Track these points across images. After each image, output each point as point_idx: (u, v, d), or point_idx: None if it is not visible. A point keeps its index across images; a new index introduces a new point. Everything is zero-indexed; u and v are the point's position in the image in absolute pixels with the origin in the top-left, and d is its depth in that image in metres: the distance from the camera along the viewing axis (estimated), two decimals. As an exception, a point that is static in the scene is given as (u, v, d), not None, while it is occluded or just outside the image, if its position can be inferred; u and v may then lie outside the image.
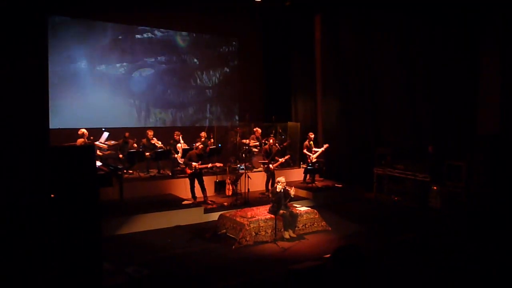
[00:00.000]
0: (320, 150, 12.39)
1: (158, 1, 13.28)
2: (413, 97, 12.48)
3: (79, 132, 10.69)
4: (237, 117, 15.60)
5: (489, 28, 10.53)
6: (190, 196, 10.52)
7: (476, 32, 10.81)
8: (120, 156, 11.40)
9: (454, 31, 11.26)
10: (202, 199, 10.47)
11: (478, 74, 10.83)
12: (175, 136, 12.25)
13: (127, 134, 11.76)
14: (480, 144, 10.20)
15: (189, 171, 10.34)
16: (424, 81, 12.20)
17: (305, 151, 12.59)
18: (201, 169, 10.34)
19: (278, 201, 8.58)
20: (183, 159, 11.94)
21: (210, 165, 10.69)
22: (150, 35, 14.03)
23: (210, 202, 10.39)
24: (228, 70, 15.68)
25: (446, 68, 11.59)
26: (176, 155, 11.96)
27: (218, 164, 10.84)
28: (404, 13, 12.35)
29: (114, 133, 11.69)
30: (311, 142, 12.60)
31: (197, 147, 10.56)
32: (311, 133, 12.85)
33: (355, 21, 13.56)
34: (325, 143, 12.68)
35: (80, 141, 10.42)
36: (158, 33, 14.17)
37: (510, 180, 9.63)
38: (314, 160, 12.37)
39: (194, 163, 10.19)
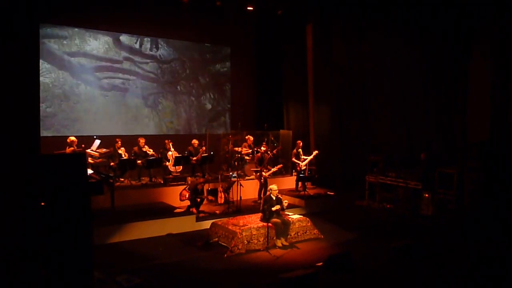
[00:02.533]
0: (309, 157, 12.38)
1: (150, 10, 13.28)
2: (405, 105, 12.59)
3: (68, 140, 10.59)
4: (229, 125, 15.61)
5: (479, 36, 10.67)
6: (182, 204, 10.49)
7: (466, 41, 10.94)
8: (112, 164, 11.35)
9: (445, 40, 11.39)
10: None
11: (468, 82, 10.95)
12: (165, 144, 12.21)
13: (118, 140, 11.71)
14: (470, 151, 10.30)
15: (183, 197, 10.35)
16: (415, 89, 12.31)
17: (293, 159, 12.58)
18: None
19: (270, 208, 8.57)
20: (174, 167, 11.92)
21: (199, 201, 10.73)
22: (141, 43, 14.02)
23: (195, 212, 10.30)
24: (220, 78, 15.70)
25: (436, 76, 11.72)
26: (167, 163, 11.92)
27: (209, 197, 11.17)
28: (395, 23, 12.48)
29: (106, 141, 11.63)
30: (300, 150, 12.59)
31: (197, 182, 10.52)
32: (299, 141, 12.83)
33: (346, 30, 13.66)
34: (315, 151, 12.64)
35: (69, 149, 10.34)
36: (149, 41, 14.17)
37: (500, 187, 9.72)
38: (304, 167, 12.35)
39: (185, 192, 10.28)
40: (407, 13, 11.99)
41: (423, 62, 12.03)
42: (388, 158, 12.42)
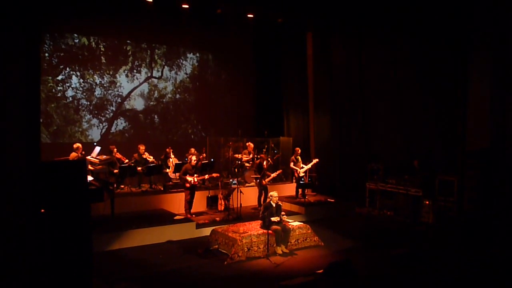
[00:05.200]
0: (307, 166, 12.37)
1: (148, 18, 13.24)
2: (404, 112, 12.61)
3: (74, 146, 10.62)
4: (229, 132, 15.61)
5: (479, 43, 10.70)
6: (182, 210, 10.46)
7: (465, 48, 10.98)
8: (115, 171, 11.32)
9: (444, 48, 11.44)
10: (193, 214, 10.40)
11: (468, 89, 10.97)
12: (167, 151, 12.19)
13: (112, 147, 11.68)
14: (470, 159, 10.30)
15: (188, 185, 10.28)
16: (414, 96, 12.34)
17: (291, 165, 12.57)
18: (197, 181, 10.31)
19: (270, 215, 8.56)
20: (175, 174, 11.91)
21: (207, 176, 10.67)
22: (138, 51, 14.07)
23: (189, 216, 10.30)
24: (220, 85, 15.72)
25: (436, 84, 11.76)
26: (167, 170, 11.91)
27: (214, 175, 10.88)
28: (394, 31, 12.53)
29: (106, 147, 11.63)
30: (298, 157, 12.57)
31: (190, 160, 10.50)
32: (297, 148, 12.84)
33: (346, 38, 13.73)
34: (315, 158, 12.63)
35: (73, 155, 10.34)
36: (148, 48, 14.21)
37: (500, 194, 9.71)
38: (302, 174, 12.34)
39: (190, 178, 10.12)
40: (406, 21, 12.05)
41: (422, 69, 12.07)
42: (388, 165, 12.42)
